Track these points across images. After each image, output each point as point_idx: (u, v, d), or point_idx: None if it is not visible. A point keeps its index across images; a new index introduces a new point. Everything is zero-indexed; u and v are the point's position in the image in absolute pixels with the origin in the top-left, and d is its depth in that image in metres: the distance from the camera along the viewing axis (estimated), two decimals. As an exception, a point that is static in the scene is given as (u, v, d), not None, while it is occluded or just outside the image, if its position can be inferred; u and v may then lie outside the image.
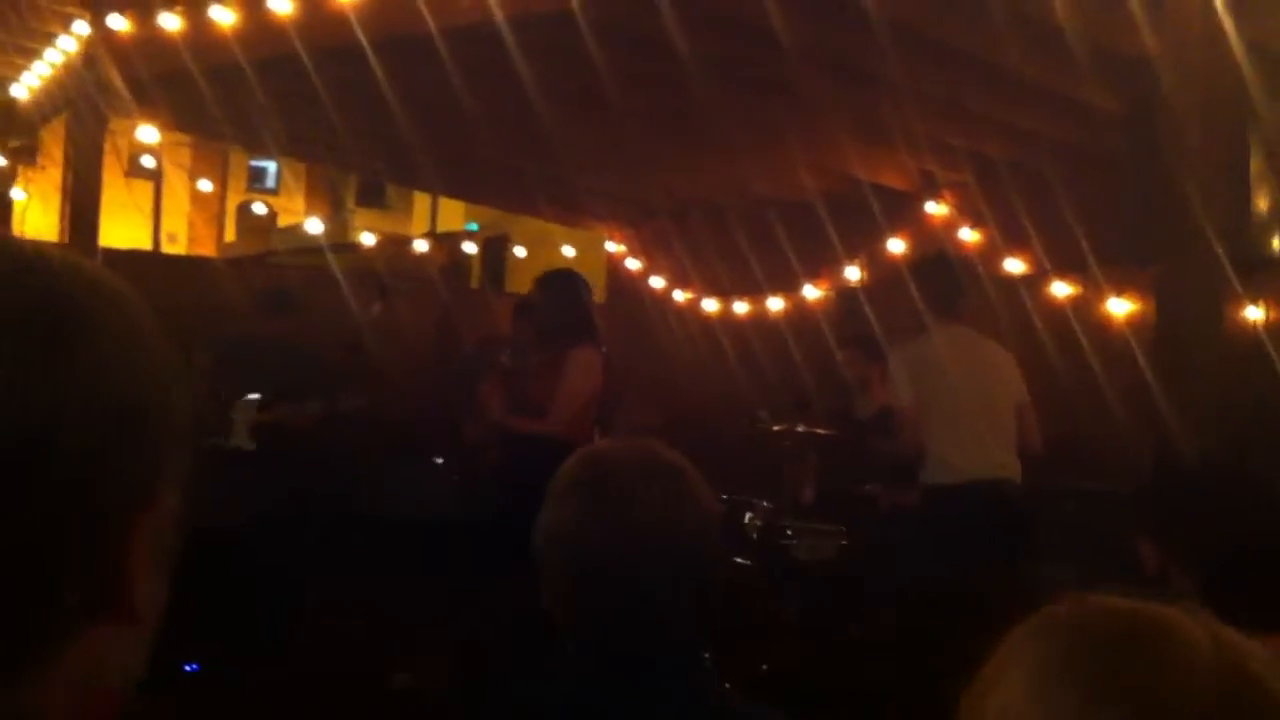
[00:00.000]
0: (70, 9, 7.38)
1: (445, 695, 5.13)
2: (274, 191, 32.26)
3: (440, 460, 7.13)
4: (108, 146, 8.53)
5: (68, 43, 7.57)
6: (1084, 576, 5.59)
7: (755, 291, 9.20)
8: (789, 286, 8.95)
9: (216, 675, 4.53)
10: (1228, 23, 4.30)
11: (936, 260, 6.21)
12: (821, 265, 8.63)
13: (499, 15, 5.39)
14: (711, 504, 1.96)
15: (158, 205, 21.16)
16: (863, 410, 6.81)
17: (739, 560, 6.39)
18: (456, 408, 6.73)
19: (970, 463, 5.49)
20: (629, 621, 1.82)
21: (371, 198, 30.21)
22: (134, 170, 20.54)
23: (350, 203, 30.16)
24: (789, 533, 6.48)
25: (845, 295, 8.49)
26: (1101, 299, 6.46)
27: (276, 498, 5.80)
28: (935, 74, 6.00)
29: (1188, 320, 4.81)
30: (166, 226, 23.62)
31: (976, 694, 1.01)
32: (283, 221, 28.61)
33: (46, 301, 0.80)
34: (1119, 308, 6.37)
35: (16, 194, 9.82)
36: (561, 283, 6.20)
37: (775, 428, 7.03)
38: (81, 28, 7.35)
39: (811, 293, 8.84)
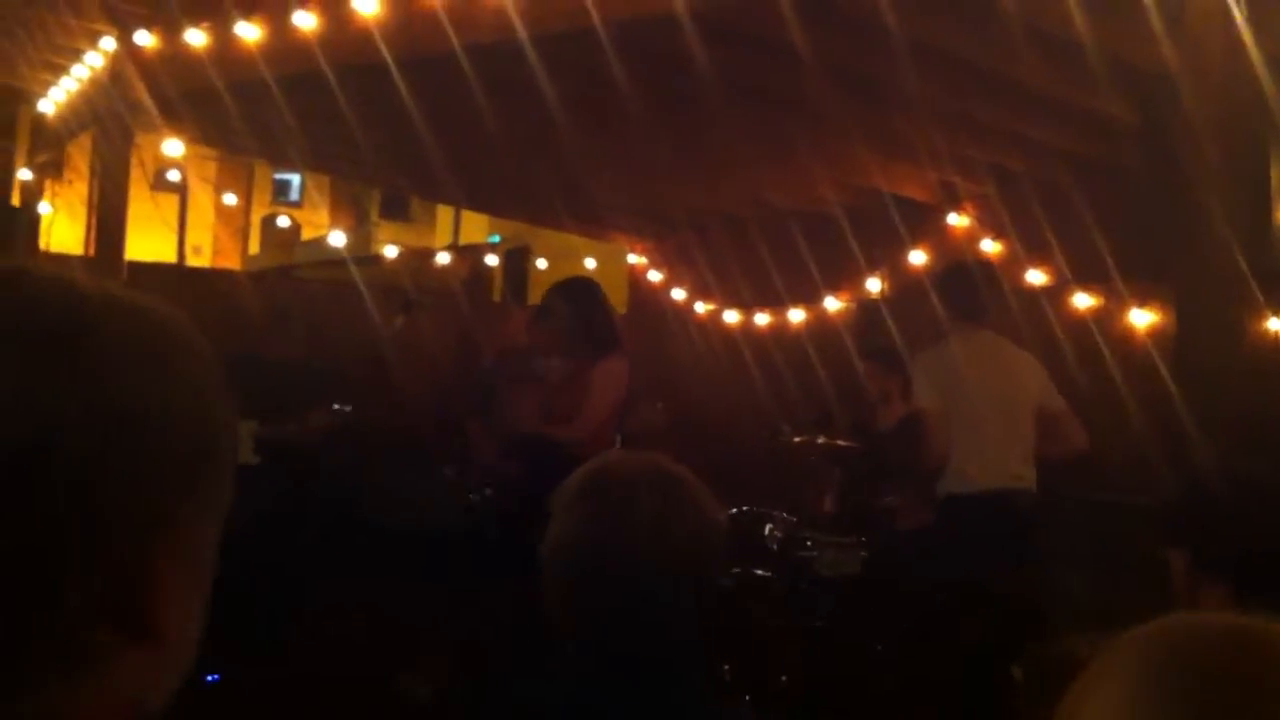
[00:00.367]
0: (98, 25, 7.45)
1: (447, 698, 5.14)
2: (298, 204, 32.43)
3: (450, 471, 7.14)
4: (134, 161, 8.59)
5: (95, 59, 7.64)
6: (1101, 587, 5.59)
7: (776, 303, 9.21)
8: (810, 298, 8.96)
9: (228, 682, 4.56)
10: (1247, 36, 4.30)
11: (959, 270, 6.22)
12: (843, 277, 8.64)
13: (521, 33, 5.43)
14: (713, 514, 1.98)
15: (183, 218, 21.32)
16: (884, 422, 6.82)
17: (758, 571, 6.39)
18: (473, 419, 6.75)
19: (985, 472, 5.49)
20: (628, 626, 1.84)
21: (395, 210, 30.33)
22: (160, 184, 20.74)
23: (374, 215, 30.29)
24: (809, 544, 6.48)
25: (866, 307, 8.50)
26: (1123, 310, 6.45)
27: (278, 510, 5.82)
28: (955, 89, 6.01)
29: (1207, 332, 4.80)
30: (192, 239, 23.79)
31: (1067, 711, 1.00)
32: (306, 234, 28.75)
33: (57, 314, 0.82)
34: (1141, 319, 6.36)
35: (43, 208, 9.89)
36: (585, 292, 6.22)
37: (796, 440, 7.04)
38: (109, 44, 7.41)
39: (833, 304, 8.85)
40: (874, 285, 8.46)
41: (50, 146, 9.62)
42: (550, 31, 5.55)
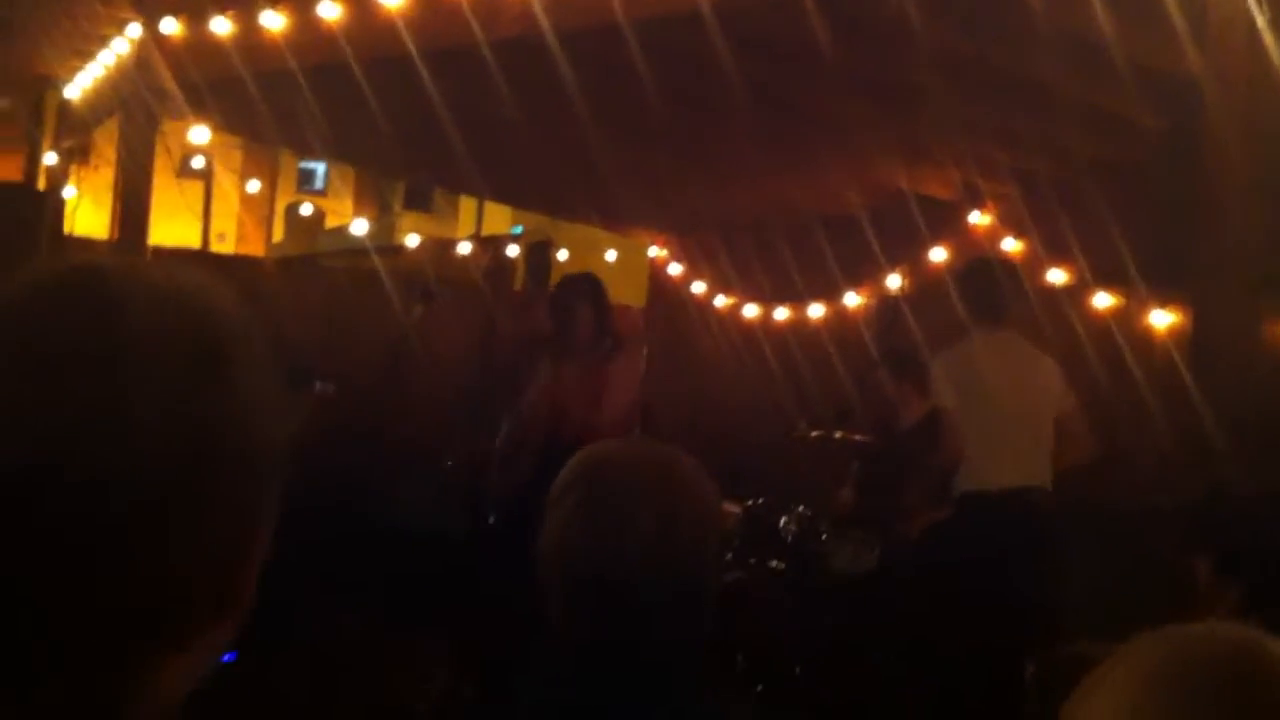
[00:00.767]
0: (124, 12, 7.49)
1: (448, 700, 5.14)
2: (322, 193, 32.46)
3: (452, 463, 7.13)
4: (159, 147, 8.63)
5: (121, 45, 7.68)
6: (1119, 589, 5.58)
7: (796, 299, 9.21)
8: (830, 294, 8.96)
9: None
10: (1269, 40, 4.29)
11: (982, 267, 6.20)
12: (863, 273, 8.64)
13: (545, 27, 5.44)
14: (713, 502, 1.96)
15: (207, 205, 21.38)
16: (905, 420, 6.81)
17: (772, 564, 6.41)
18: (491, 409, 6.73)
19: (1001, 470, 5.49)
20: (625, 621, 1.82)
21: (418, 201, 30.33)
22: (185, 171, 20.79)
23: (397, 206, 30.30)
24: (824, 538, 6.50)
25: (887, 303, 8.49)
26: (1143, 311, 6.44)
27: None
28: (980, 95, 6.00)
29: (1226, 335, 4.79)
30: (216, 226, 23.85)
31: (1069, 713, 1.02)
32: (330, 223, 28.79)
33: (204, 330, 0.87)
34: (1160, 320, 6.34)
35: (68, 192, 9.95)
36: (598, 289, 6.24)
37: (813, 434, 7.06)
38: (134, 30, 7.45)
39: (853, 300, 8.85)
40: (894, 282, 8.46)
41: (76, 132, 9.67)
42: (574, 27, 5.57)
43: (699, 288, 10.30)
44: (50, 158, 9.76)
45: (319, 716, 4.91)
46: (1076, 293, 6.85)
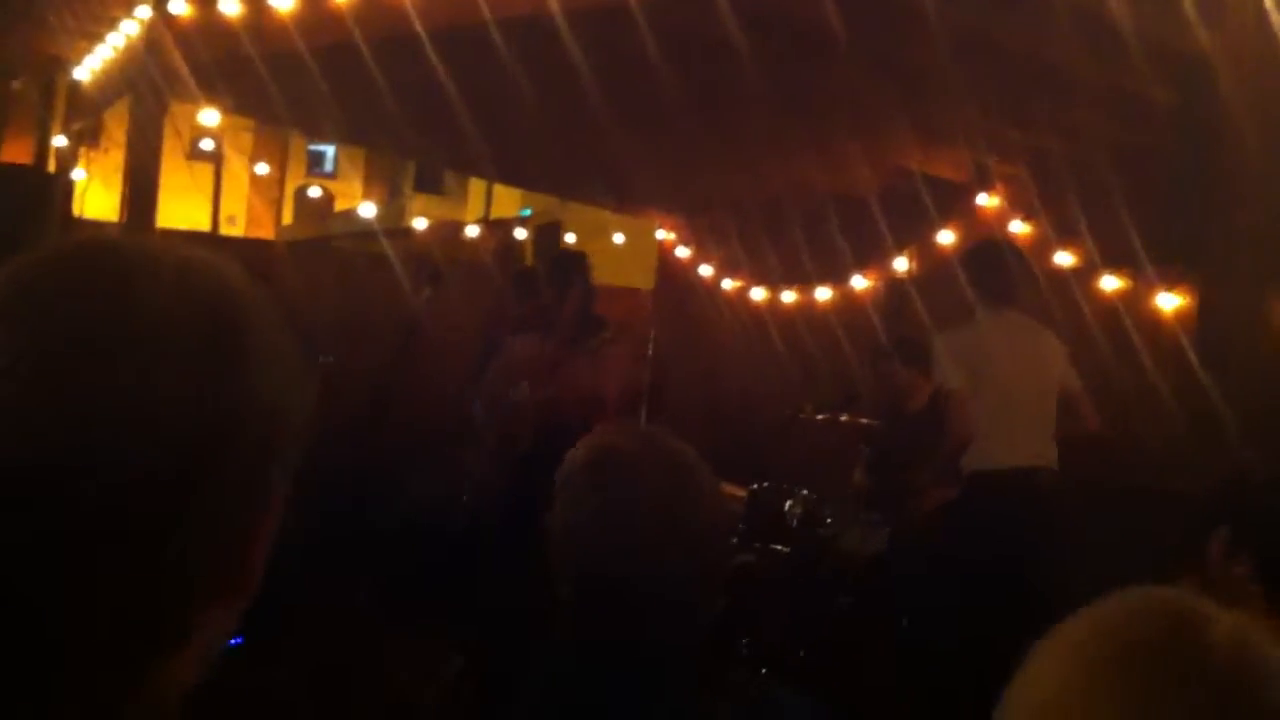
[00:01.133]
0: (133, -7, 7.50)
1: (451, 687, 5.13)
2: (332, 176, 32.50)
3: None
4: (169, 130, 8.64)
5: (131, 27, 7.69)
6: (1127, 570, 5.57)
7: (804, 281, 9.21)
8: (838, 277, 8.95)
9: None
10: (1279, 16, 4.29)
11: (989, 248, 6.19)
12: (871, 256, 8.63)
13: (554, 7, 5.44)
14: (713, 493, 1.96)
15: (217, 188, 21.42)
16: (914, 403, 6.80)
17: (777, 547, 6.42)
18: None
19: (1009, 450, 5.49)
20: (628, 614, 1.81)
21: (428, 184, 30.34)
22: (195, 153, 20.85)
23: (407, 188, 30.31)
24: (829, 521, 6.50)
25: (894, 286, 8.49)
26: (1152, 294, 6.42)
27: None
28: (991, 72, 5.99)
29: (1233, 315, 4.79)
30: (226, 209, 23.88)
31: (1017, 685, 1.03)
32: (340, 206, 28.83)
33: (219, 308, 0.85)
34: (1168, 303, 6.33)
35: (77, 174, 9.97)
36: (589, 271, 6.25)
37: (819, 417, 7.06)
38: (144, 12, 7.46)
39: (860, 283, 8.84)
40: (902, 265, 8.45)
41: (86, 114, 9.69)
42: (584, 7, 5.56)
43: (707, 270, 10.30)
44: (60, 140, 9.78)
45: (318, 711, 4.91)
46: (1085, 275, 6.84)
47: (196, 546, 0.82)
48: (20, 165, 10.19)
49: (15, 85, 10.27)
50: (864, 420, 6.98)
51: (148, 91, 7.81)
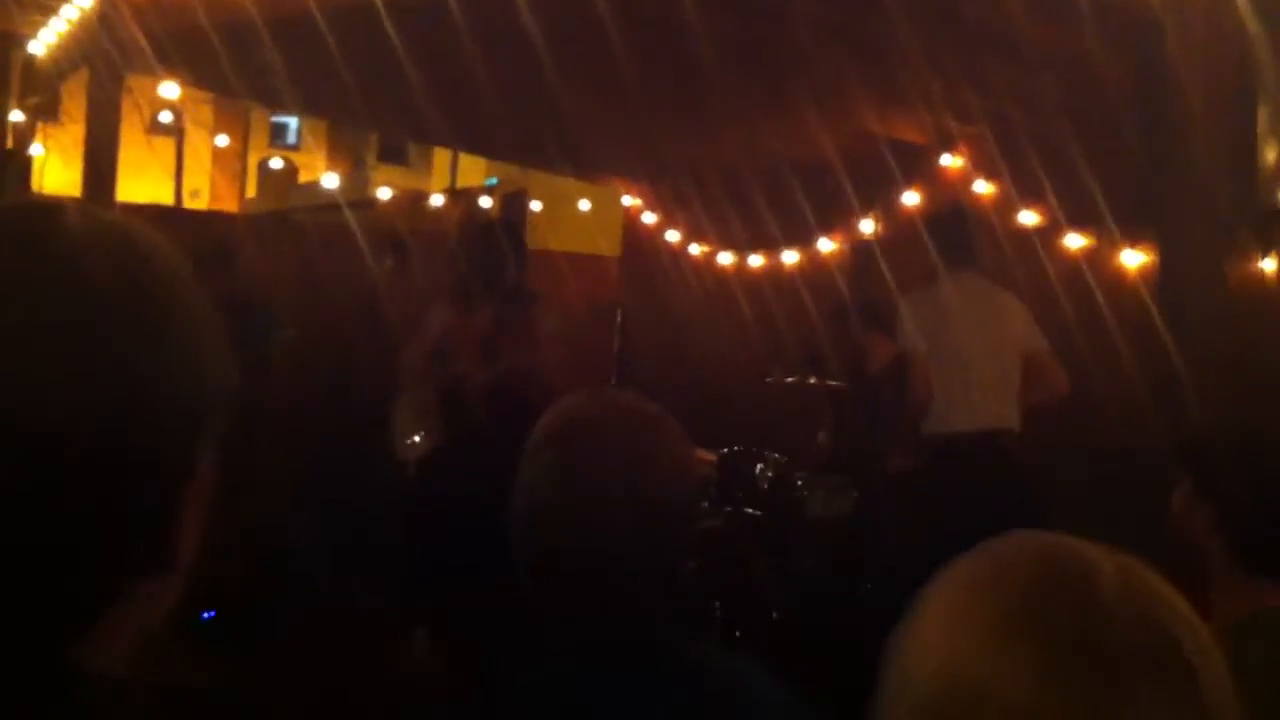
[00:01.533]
0: (86, -34, 7.40)
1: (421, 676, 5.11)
2: (295, 148, 32.32)
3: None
4: (129, 104, 8.56)
5: None
6: (1094, 533, 5.61)
7: (771, 246, 9.21)
8: (804, 240, 8.96)
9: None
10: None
11: (952, 212, 6.22)
12: (836, 219, 8.63)
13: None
14: (683, 458, 1.94)
15: (179, 162, 21.28)
16: (874, 366, 6.83)
17: (749, 510, 6.44)
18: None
19: (970, 413, 5.52)
20: (595, 586, 1.79)
21: (392, 155, 30.21)
22: (155, 128, 20.67)
23: (371, 160, 30.17)
24: (799, 484, 6.53)
25: (859, 249, 8.50)
26: (1114, 252, 6.44)
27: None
28: (946, 37, 5.98)
29: (1193, 273, 4.82)
30: (189, 184, 23.75)
31: (905, 629, 1.04)
32: (304, 178, 28.67)
33: (132, 266, 0.84)
34: (1132, 260, 6.35)
35: (35, 149, 9.87)
36: (517, 235, 6.23)
37: (787, 380, 7.08)
38: (97, -16, 7.37)
39: (826, 246, 8.84)
40: (867, 227, 8.45)
41: (42, 89, 9.58)
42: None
43: (673, 236, 10.28)
44: (16, 115, 9.66)
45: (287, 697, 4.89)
46: (1048, 234, 6.86)
47: (111, 510, 0.80)
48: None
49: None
50: (831, 383, 7.00)
51: (103, 65, 7.74)
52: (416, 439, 6.26)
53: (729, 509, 6.45)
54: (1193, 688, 0.92)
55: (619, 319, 9.04)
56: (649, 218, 10.66)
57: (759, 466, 6.66)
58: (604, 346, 8.93)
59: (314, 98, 9.38)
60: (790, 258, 9.13)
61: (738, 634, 5.83)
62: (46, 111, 10.64)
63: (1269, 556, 2.33)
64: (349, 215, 11.11)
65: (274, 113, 28.25)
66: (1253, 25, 4.39)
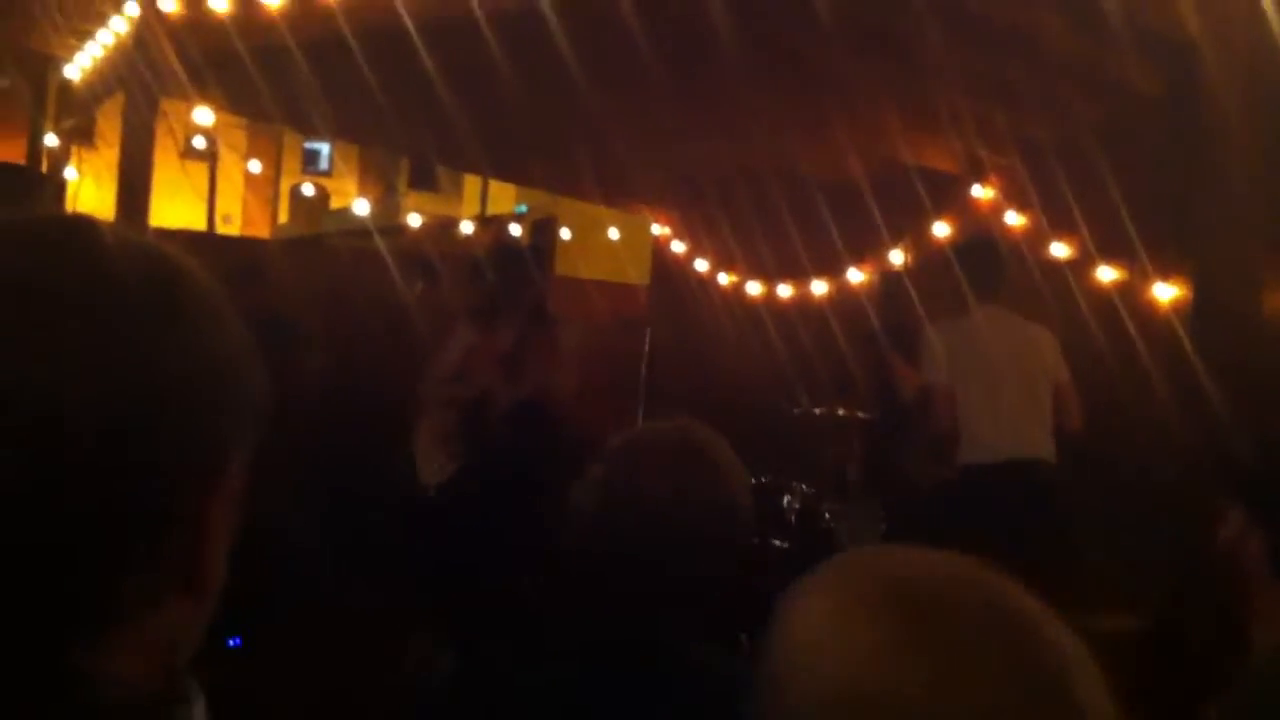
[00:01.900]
0: (122, -10, 7.47)
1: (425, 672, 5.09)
2: (327, 174, 32.51)
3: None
4: (163, 129, 8.61)
5: (119, 24, 7.66)
6: (1127, 562, 5.56)
7: (800, 275, 9.19)
8: (833, 270, 8.94)
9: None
10: (1268, 3, 4.26)
11: (982, 243, 6.20)
12: (866, 248, 8.61)
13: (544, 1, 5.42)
14: (734, 487, 1.95)
15: (212, 187, 21.40)
16: (904, 395, 6.79)
17: (776, 542, 6.40)
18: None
19: (1005, 442, 5.48)
20: (629, 599, 1.81)
21: (423, 181, 30.36)
22: (189, 152, 20.82)
23: (402, 186, 30.33)
24: (827, 515, 6.49)
25: (888, 278, 8.47)
26: (1147, 284, 6.40)
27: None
28: (979, 55, 5.97)
29: (1228, 302, 4.77)
30: (222, 208, 23.90)
31: (773, 629, 1.04)
32: (335, 204, 28.84)
33: (158, 276, 0.84)
34: (1164, 293, 6.31)
35: (70, 173, 9.94)
36: (540, 258, 6.26)
37: (816, 410, 7.04)
38: (133, 9, 7.42)
39: (856, 276, 8.82)
40: (897, 257, 8.43)
41: (77, 112, 9.66)
42: (572, -2, 5.54)
43: (702, 265, 10.27)
44: (51, 139, 9.75)
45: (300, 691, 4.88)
46: (1079, 265, 6.81)
47: (130, 513, 0.78)
48: (11, 165, 10.16)
49: (4, 82, 10.25)
50: (861, 414, 6.96)
51: (138, 89, 7.78)
52: (439, 460, 6.26)
53: (757, 540, 6.41)
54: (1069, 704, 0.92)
55: (647, 346, 9.04)
56: (678, 246, 10.65)
57: (787, 498, 6.63)
58: (632, 373, 8.92)
59: (347, 122, 9.42)
60: (819, 287, 9.11)
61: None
62: (82, 135, 10.73)
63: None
64: (380, 241, 11.16)
65: (307, 138, 28.46)
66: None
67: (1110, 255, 6.60)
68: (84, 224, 0.86)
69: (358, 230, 14.68)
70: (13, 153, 10.65)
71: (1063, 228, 6.89)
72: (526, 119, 7.79)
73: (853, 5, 5.45)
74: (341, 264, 9.84)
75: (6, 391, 0.75)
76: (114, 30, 7.77)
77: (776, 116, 7.56)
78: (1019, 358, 5.63)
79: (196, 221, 21.39)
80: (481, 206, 22.07)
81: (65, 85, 9.22)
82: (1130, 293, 6.45)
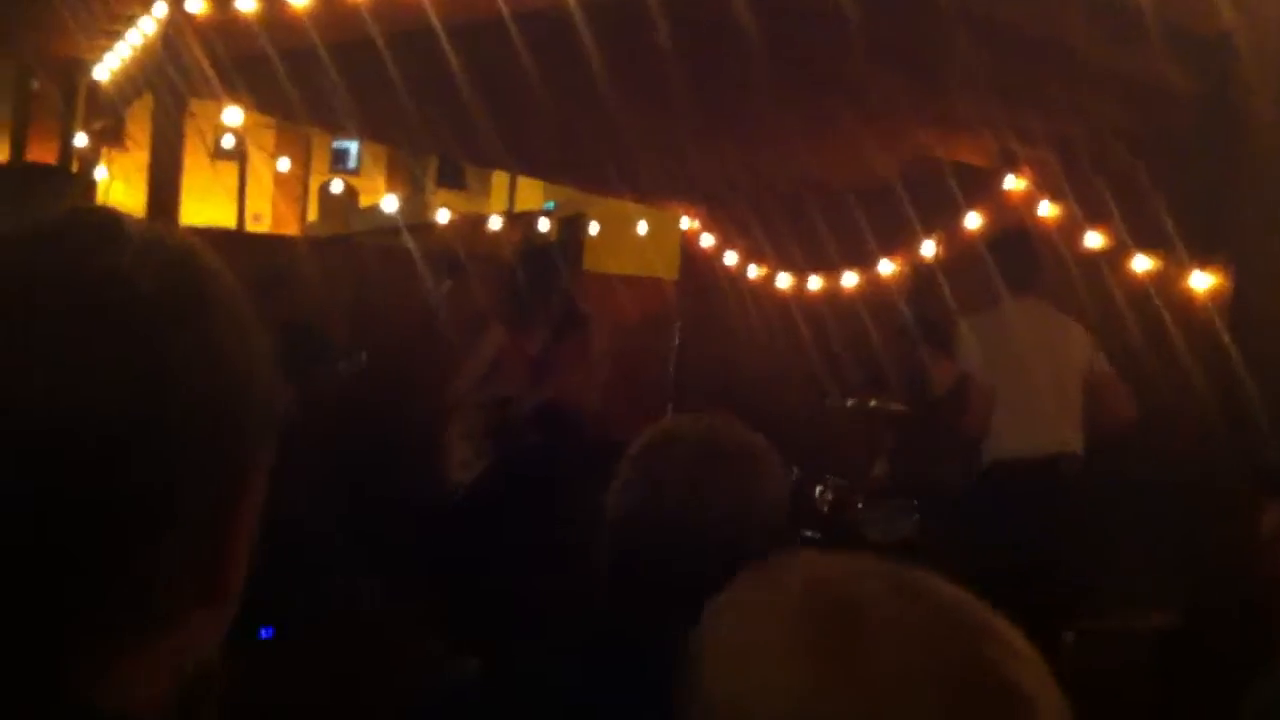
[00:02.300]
0: (150, -9, 7.49)
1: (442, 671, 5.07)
2: (355, 172, 32.61)
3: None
4: (193, 129, 8.64)
5: (147, 25, 7.68)
6: (1153, 558, 5.51)
7: (830, 268, 9.15)
8: (864, 263, 8.89)
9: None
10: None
11: (1015, 235, 6.16)
12: (897, 241, 8.56)
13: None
14: (761, 485, 1.93)
15: (242, 186, 21.49)
16: (937, 389, 6.76)
17: (808, 533, 6.39)
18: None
19: (1033, 437, 5.45)
20: (647, 595, 1.81)
21: (451, 178, 30.42)
22: (219, 152, 20.92)
23: (430, 183, 30.38)
24: (860, 507, 6.47)
25: (919, 270, 8.42)
26: (1183, 276, 6.33)
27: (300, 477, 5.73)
28: (1011, 63, 5.92)
29: (1266, 296, 4.72)
30: (252, 207, 23.99)
31: (711, 613, 1.03)
32: (364, 202, 28.93)
33: (179, 277, 0.82)
34: (1201, 283, 6.24)
35: (100, 173, 9.98)
36: (570, 257, 6.27)
37: (848, 403, 7.02)
38: (160, 10, 7.44)
39: (887, 268, 8.77)
40: (929, 249, 8.37)
41: (107, 113, 9.69)
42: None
43: (731, 259, 10.24)
44: (80, 139, 9.79)
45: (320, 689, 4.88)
46: (1115, 257, 6.75)
47: (155, 525, 0.77)
48: (42, 165, 10.22)
49: (35, 85, 10.30)
50: (893, 406, 6.92)
51: (166, 90, 7.79)
52: (468, 460, 6.27)
53: (788, 535, 6.40)
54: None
55: (676, 340, 9.02)
56: (707, 240, 10.62)
57: (819, 490, 6.62)
58: (661, 368, 8.90)
59: (375, 122, 9.43)
60: (850, 280, 9.06)
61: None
62: (111, 136, 10.76)
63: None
64: (408, 238, 11.17)
65: (335, 137, 28.55)
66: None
67: (1146, 246, 6.54)
68: (109, 221, 0.84)
69: (387, 228, 14.70)
70: (44, 154, 10.70)
71: (1097, 218, 6.83)
72: (553, 117, 7.78)
73: (882, 17, 5.41)
74: (370, 263, 9.85)
75: (7, 393, 0.73)
76: (142, 31, 7.80)
77: (804, 117, 7.53)
78: (1051, 351, 5.59)
79: (227, 221, 21.50)
80: (509, 203, 22.07)
81: (94, 87, 9.26)
82: (1165, 285, 6.39)
